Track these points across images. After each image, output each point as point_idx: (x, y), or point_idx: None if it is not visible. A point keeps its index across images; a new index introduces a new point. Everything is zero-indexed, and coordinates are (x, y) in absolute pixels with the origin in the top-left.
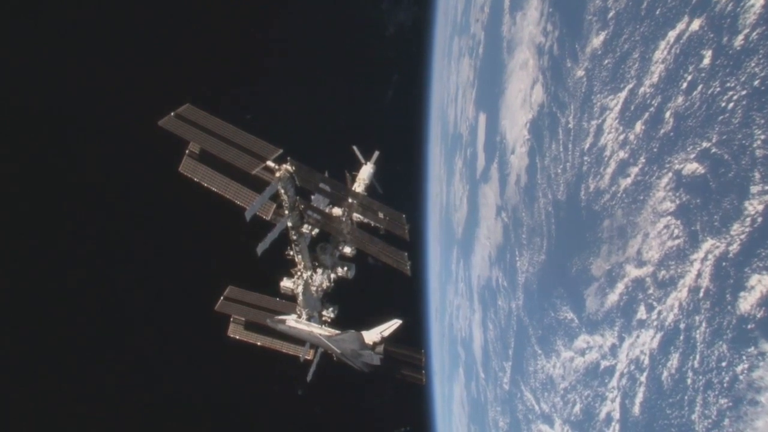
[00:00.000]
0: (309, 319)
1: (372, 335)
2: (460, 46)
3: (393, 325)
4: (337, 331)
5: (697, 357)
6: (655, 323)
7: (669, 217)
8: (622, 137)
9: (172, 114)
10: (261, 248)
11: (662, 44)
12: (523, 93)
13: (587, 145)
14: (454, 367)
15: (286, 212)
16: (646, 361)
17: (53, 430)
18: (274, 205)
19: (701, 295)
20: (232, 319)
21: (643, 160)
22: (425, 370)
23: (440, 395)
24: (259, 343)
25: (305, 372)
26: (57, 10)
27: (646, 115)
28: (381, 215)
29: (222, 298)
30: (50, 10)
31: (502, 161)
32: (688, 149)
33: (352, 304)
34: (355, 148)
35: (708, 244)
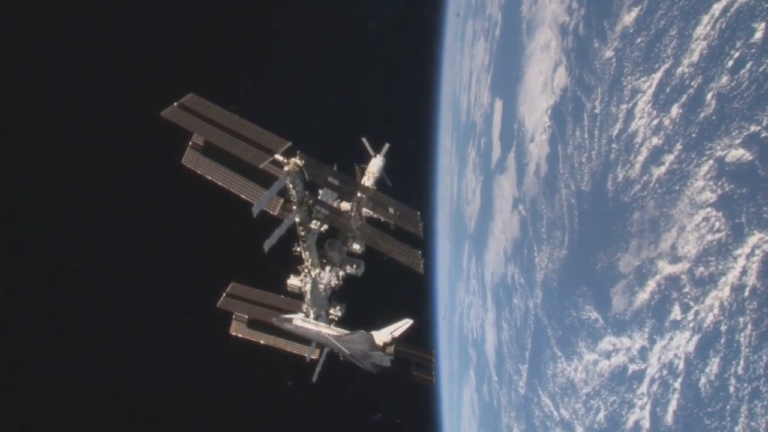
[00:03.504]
0: (316, 317)
1: (382, 335)
2: (474, 28)
3: (404, 325)
4: (346, 331)
5: (741, 362)
6: (691, 324)
7: (709, 209)
8: (655, 122)
9: (176, 104)
10: (268, 245)
11: (705, 18)
12: (544, 77)
13: (616, 132)
14: (464, 369)
15: (294, 207)
16: (681, 366)
17: (53, 428)
18: (282, 200)
19: (746, 294)
20: (234, 317)
21: (680, 147)
22: (435, 371)
23: (448, 398)
24: (262, 342)
25: (298, 365)
26: (57, 4)
27: (684, 97)
28: (392, 210)
29: (224, 294)
30: (50, 4)
31: (520, 150)
32: (733, 134)
33: (359, 303)
34: (364, 140)
35: (755, 238)
